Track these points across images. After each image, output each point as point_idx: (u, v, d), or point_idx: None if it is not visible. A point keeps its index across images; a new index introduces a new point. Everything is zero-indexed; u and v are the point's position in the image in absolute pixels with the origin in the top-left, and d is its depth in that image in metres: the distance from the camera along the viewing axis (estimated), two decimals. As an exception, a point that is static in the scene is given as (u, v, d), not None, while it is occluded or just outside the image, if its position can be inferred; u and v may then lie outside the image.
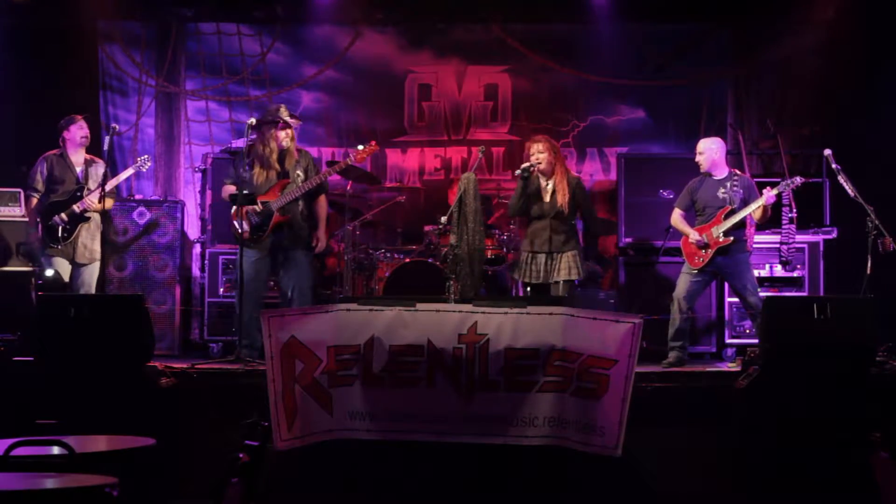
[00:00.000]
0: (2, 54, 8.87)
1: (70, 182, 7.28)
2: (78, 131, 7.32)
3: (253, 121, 7.10)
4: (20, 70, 8.87)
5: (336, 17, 9.32)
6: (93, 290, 7.10)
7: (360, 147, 7.00)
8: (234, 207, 6.80)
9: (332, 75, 9.51)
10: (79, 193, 7.22)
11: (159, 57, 9.45)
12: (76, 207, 7.18)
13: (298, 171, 6.88)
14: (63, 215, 7.19)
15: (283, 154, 6.88)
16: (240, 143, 8.05)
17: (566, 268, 6.80)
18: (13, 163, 8.44)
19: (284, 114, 6.90)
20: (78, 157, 7.33)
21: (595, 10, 9.10)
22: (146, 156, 7.67)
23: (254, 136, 7.08)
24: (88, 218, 7.22)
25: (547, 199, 6.87)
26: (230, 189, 6.89)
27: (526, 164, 6.85)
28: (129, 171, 7.51)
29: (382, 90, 9.53)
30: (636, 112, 9.45)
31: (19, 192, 7.76)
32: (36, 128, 8.56)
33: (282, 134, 6.86)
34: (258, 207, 6.75)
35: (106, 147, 7.24)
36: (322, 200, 7.02)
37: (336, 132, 9.49)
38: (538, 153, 6.88)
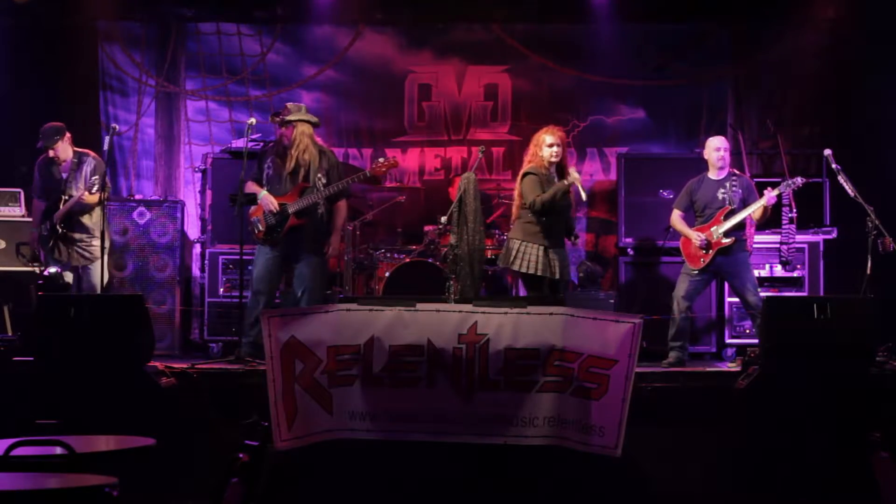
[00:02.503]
0: (2, 54, 8.88)
1: (51, 189, 7.14)
2: (51, 152, 7.10)
3: (253, 121, 7.09)
4: (20, 70, 8.88)
5: (336, 17, 9.32)
6: (97, 290, 7.05)
7: (381, 160, 6.94)
8: (254, 206, 6.79)
9: (332, 75, 9.51)
10: (57, 204, 7.08)
11: (159, 57, 9.45)
12: (55, 218, 7.08)
13: (320, 175, 6.77)
14: (47, 223, 7.11)
15: (303, 155, 6.78)
16: (239, 143, 8.06)
17: (559, 269, 6.64)
18: (13, 163, 8.45)
19: (287, 112, 6.82)
20: (67, 163, 7.15)
21: (595, 10, 9.10)
22: (96, 178, 7.01)
23: (255, 136, 7.04)
24: (61, 231, 7.01)
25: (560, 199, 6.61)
26: (252, 187, 6.87)
27: (578, 178, 6.51)
28: (82, 194, 7.00)
29: (382, 90, 9.53)
30: (636, 112, 9.45)
31: (19, 192, 7.76)
32: (36, 128, 8.56)
33: (288, 133, 6.77)
34: (274, 208, 6.72)
35: (106, 147, 7.23)
36: (340, 206, 6.90)
37: (336, 132, 9.48)
38: (557, 146, 6.59)
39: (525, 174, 6.68)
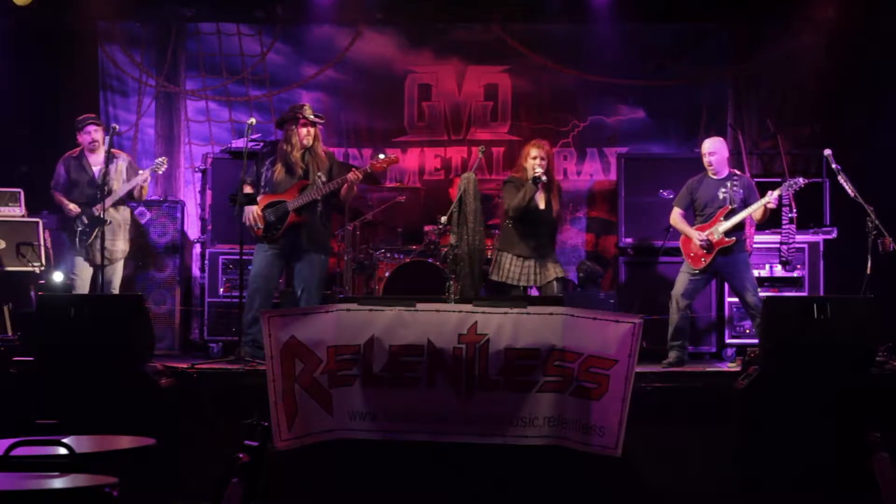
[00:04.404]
0: (2, 54, 8.87)
1: (83, 184, 7.27)
2: (85, 137, 7.34)
3: (253, 121, 7.09)
4: (20, 70, 8.88)
5: (336, 17, 9.33)
6: (115, 290, 7.07)
7: (382, 156, 6.88)
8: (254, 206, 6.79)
9: (332, 75, 9.51)
10: (100, 196, 7.20)
11: (159, 57, 9.45)
12: (96, 210, 7.17)
13: (320, 174, 6.77)
14: (84, 218, 7.21)
15: (305, 154, 6.80)
16: (239, 143, 8.05)
17: (553, 268, 6.85)
18: (13, 163, 8.45)
19: (307, 112, 6.84)
20: (97, 157, 7.35)
21: (595, 10, 9.11)
22: (163, 158, 7.62)
23: (255, 136, 7.03)
24: (108, 221, 7.18)
25: (542, 205, 6.84)
26: (249, 190, 6.88)
27: (540, 173, 6.72)
28: (146, 176, 7.40)
29: (382, 90, 9.53)
30: (636, 112, 9.45)
31: (19, 192, 7.76)
32: (36, 128, 8.58)
33: (303, 132, 6.77)
34: (258, 209, 6.73)
35: (106, 147, 7.25)
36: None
37: (336, 132, 9.48)
38: (541, 158, 6.81)
39: (504, 182, 7.00)
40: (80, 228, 7.23)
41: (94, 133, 7.36)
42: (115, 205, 7.32)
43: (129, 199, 7.45)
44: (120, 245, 7.24)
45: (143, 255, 8.19)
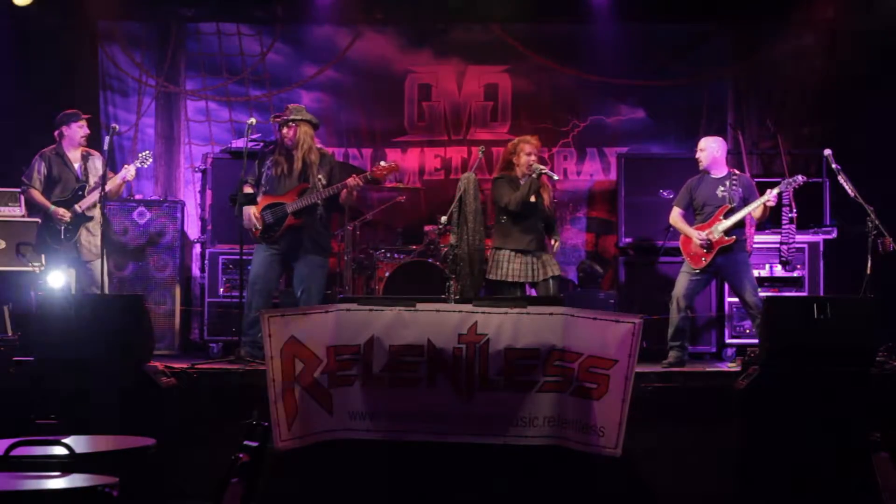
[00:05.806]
0: (2, 54, 8.87)
1: (69, 180, 7.26)
2: (78, 130, 7.29)
3: (253, 121, 7.09)
4: (20, 70, 8.87)
5: (336, 17, 9.33)
6: (98, 287, 7.08)
7: (382, 163, 6.88)
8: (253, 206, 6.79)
9: (332, 75, 9.51)
10: (80, 192, 7.20)
11: (159, 57, 9.45)
12: (78, 207, 7.17)
13: (320, 176, 6.76)
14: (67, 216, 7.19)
15: (304, 156, 6.79)
16: (239, 143, 8.06)
17: (550, 266, 6.86)
18: (13, 163, 8.44)
19: (286, 114, 6.83)
20: (75, 154, 7.31)
21: (595, 10, 9.11)
22: (147, 151, 7.57)
23: (255, 136, 7.03)
24: (91, 217, 7.20)
25: (534, 199, 6.87)
26: (248, 189, 6.88)
27: (544, 169, 6.81)
28: (132, 171, 7.37)
29: (382, 90, 9.53)
30: (636, 112, 9.45)
31: (19, 193, 7.76)
32: (36, 128, 8.56)
33: (283, 132, 6.81)
34: (256, 210, 6.75)
35: (106, 147, 7.24)
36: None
37: (336, 132, 9.48)
38: (535, 154, 6.92)
39: (495, 180, 7.01)
40: (63, 227, 7.18)
41: (87, 128, 7.34)
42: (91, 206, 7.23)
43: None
44: (99, 241, 7.18)
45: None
